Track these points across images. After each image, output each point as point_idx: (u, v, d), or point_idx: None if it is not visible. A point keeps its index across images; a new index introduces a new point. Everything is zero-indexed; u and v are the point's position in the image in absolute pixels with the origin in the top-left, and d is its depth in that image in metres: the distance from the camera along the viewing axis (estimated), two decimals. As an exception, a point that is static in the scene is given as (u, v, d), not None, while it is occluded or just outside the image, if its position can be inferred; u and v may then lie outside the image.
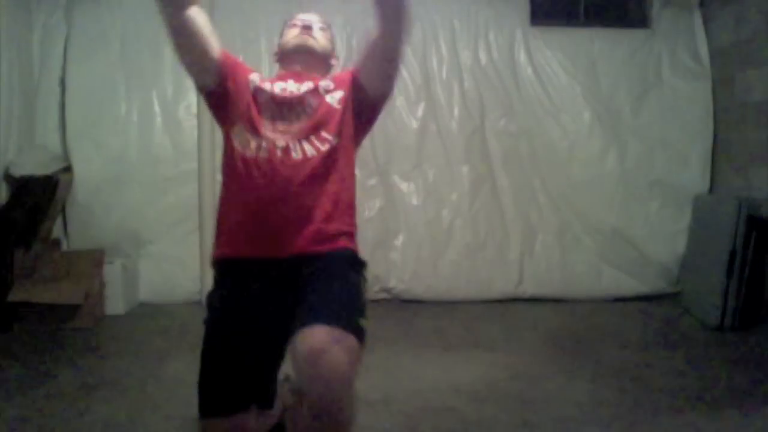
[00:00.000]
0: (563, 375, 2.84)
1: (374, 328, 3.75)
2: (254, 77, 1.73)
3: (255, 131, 1.62)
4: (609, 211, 4.27)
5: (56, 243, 3.99)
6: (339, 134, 1.66)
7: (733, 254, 3.60)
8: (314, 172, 1.60)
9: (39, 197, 3.73)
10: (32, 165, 3.83)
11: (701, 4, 4.35)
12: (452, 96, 4.25)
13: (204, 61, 1.68)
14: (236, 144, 1.64)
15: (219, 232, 1.68)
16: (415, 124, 4.23)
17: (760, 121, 3.81)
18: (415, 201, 4.24)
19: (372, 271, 4.44)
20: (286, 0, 3.65)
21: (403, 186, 4.25)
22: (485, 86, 4.26)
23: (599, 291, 4.22)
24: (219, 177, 1.86)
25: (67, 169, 4.02)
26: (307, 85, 1.71)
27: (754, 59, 3.88)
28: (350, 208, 1.70)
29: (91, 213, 4.06)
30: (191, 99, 4.02)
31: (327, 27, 1.86)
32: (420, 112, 4.23)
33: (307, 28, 1.78)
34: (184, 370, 2.86)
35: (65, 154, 4.08)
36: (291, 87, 1.71)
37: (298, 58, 1.77)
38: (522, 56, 4.30)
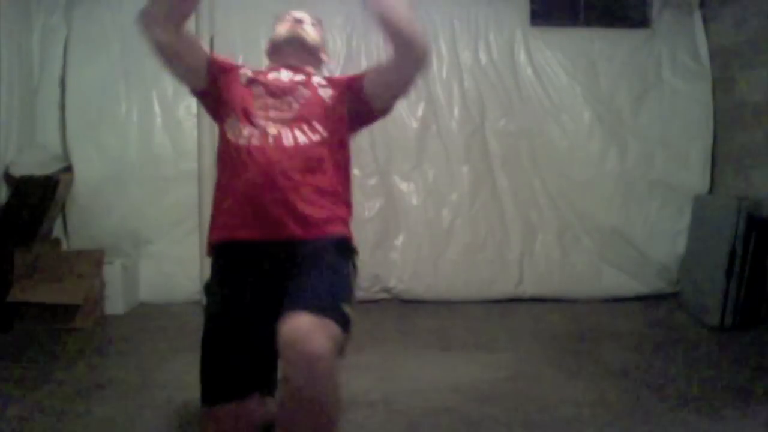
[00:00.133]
0: (563, 375, 2.84)
1: (374, 328, 3.77)
2: (245, 71, 1.77)
3: (248, 121, 1.65)
4: (609, 211, 4.27)
5: (56, 243, 3.99)
6: (329, 127, 1.68)
7: (733, 254, 3.60)
8: (306, 157, 1.63)
9: (39, 197, 3.73)
10: (32, 165, 3.83)
11: (701, 4, 4.35)
12: (452, 96, 4.25)
13: (194, 67, 1.73)
14: (229, 135, 1.68)
15: (214, 218, 1.71)
16: (415, 124, 4.23)
17: (760, 121, 3.81)
18: (415, 201, 4.25)
19: (372, 271, 4.49)
20: (286, 0, 3.65)
21: (403, 186, 4.25)
22: (485, 86, 4.26)
23: (599, 291, 4.22)
24: (219, 176, 1.88)
25: (67, 169, 4.02)
26: (299, 76, 1.74)
27: (754, 59, 3.87)
28: (344, 194, 1.73)
29: (91, 213, 4.06)
30: (191, 99, 3.94)
31: (318, 23, 1.90)
32: (420, 112, 4.23)
33: (298, 22, 1.82)
34: (184, 370, 2.86)
35: (65, 154, 4.08)
36: (284, 76, 1.74)
37: (290, 50, 1.80)
38: (522, 56, 4.30)
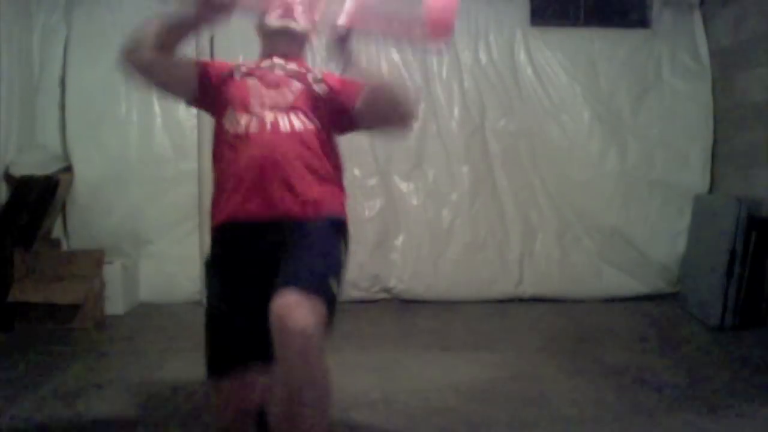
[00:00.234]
0: (563, 375, 2.84)
1: (374, 328, 3.77)
2: (239, 66, 1.80)
3: (245, 110, 1.70)
4: (609, 211, 4.27)
5: (56, 243, 3.99)
6: (321, 118, 1.73)
7: (733, 254, 3.60)
8: (302, 141, 1.68)
9: (39, 197, 3.73)
10: (32, 165, 3.83)
11: (701, 4, 4.35)
12: (452, 96, 4.25)
13: (185, 87, 1.77)
14: (227, 126, 1.73)
15: (215, 202, 1.75)
16: (415, 124, 4.23)
17: (760, 121, 3.81)
18: (415, 201, 4.24)
19: (372, 271, 4.49)
20: (286, 0, 3.65)
21: (403, 186, 4.25)
22: (485, 86, 4.26)
23: (599, 291, 4.22)
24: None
25: (67, 169, 4.02)
26: (292, 66, 1.78)
27: (754, 59, 3.87)
28: (338, 177, 1.78)
29: (91, 213, 4.06)
30: (191, 99, 4.02)
31: (308, 5, 1.86)
32: (420, 112, 4.23)
33: (288, 11, 1.81)
34: (184, 370, 2.86)
35: (65, 154, 4.08)
36: (278, 69, 1.78)
37: (280, 41, 1.82)
38: (522, 56, 4.29)
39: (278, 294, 1.46)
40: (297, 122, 1.69)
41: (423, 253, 4.21)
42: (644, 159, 4.28)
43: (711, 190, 4.27)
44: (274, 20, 1.81)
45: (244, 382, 1.64)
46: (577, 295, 4.19)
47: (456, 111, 4.25)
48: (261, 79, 1.74)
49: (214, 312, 1.69)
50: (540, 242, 4.28)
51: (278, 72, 1.77)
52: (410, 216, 4.23)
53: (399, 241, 4.23)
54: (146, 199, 4.10)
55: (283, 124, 1.68)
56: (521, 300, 4.19)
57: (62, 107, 4.10)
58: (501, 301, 4.15)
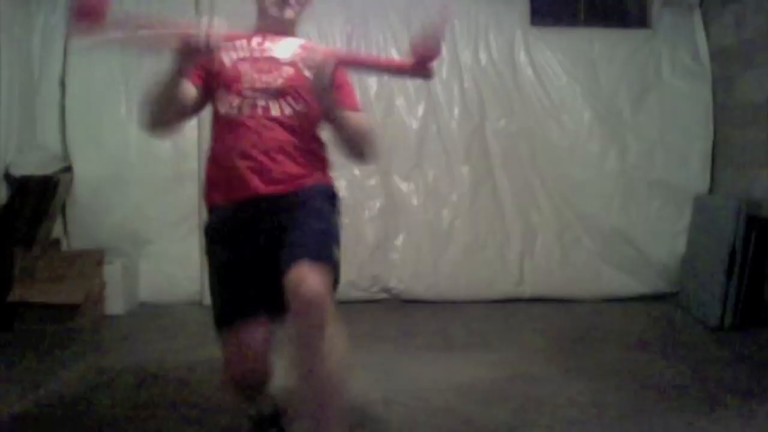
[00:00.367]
0: (563, 375, 2.84)
1: (374, 328, 3.77)
2: (229, 54, 1.83)
3: (238, 95, 1.79)
4: (609, 211, 4.27)
5: (56, 243, 3.99)
6: (310, 102, 1.80)
7: (733, 254, 3.60)
8: (291, 126, 1.79)
9: (39, 197, 3.73)
10: (32, 165, 3.83)
11: (701, 4, 4.35)
12: (452, 96, 4.25)
13: (199, 100, 1.84)
14: (220, 107, 1.82)
15: (208, 180, 1.88)
16: (415, 124, 4.23)
17: (760, 121, 3.81)
18: (415, 201, 4.24)
19: (372, 271, 4.49)
20: (286, 0, 3.65)
21: (403, 186, 4.25)
22: (485, 86, 4.26)
23: (599, 291, 4.22)
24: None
25: (67, 169, 4.02)
26: (284, 47, 1.85)
27: (754, 59, 3.87)
28: (324, 153, 1.91)
29: (91, 213, 4.05)
30: (191, 99, 4.01)
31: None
32: (420, 112, 4.23)
33: (285, 2, 1.87)
34: (184, 370, 2.86)
35: (65, 154, 4.08)
36: (269, 47, 1.85)
37: (274, 24, 1.89)
38: (522, 56, 4.29)
39: (291, 266, 1.60)
40: (287, 108, 1.79)
41: (423, 253, 4.21)
42: (644, 159, 4.28)
43: (711, 190, 4.27)
44: (273, 9, 1.87)
45: (252, 329, 1.77)
46: (577, 295, 4.19)
47: (456, 111, 4.25)
48: (253, 63, 1.81)
49: (218, 272, 1.84)
50: (540, 242, 4.28)
51: (270, 54, 1.83)
52: (410, 216, 4.23)
53: (399, 241, 4.23)
54: (146, 199, 4.10)
55: (274, 108, 1.78)
56: (521, 300, 4.19)
57: (62, 107, 4.10)
58: (501, 301, 4.15)
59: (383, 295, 4.21)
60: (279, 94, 1.79)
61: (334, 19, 4.16)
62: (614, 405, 2.49)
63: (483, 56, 4.27)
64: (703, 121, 4.29)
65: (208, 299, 4.00)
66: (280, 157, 1.77)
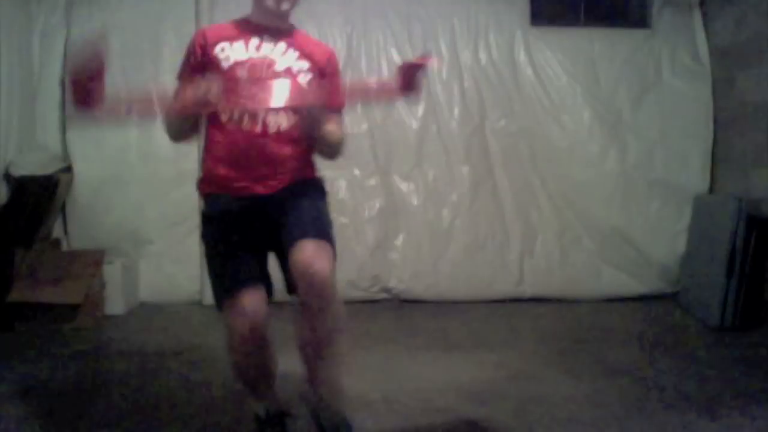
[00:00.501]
0: (563, 375, 2.84)
1: (374, 328, 3.77)
2: (225, 53, 1.88)
3: (234, 102, 1.83)
4: (609, 211, 4.27)
5: (56, 243, 3.99)
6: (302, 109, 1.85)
7: (733, 254, 3.60)
8: (287, 136, 1.87)
9: (39, 197, 3.73)
10: (32, 165, 3.83)
11: (701, 4, 4.35)
12: (452, 96, 4.25)
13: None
14: (221, 116, 1.86)
15: (204, 172, 1.96)
16: (415, 124, 4.23)
17: (760, 121, 3.81)
18: (415, 201, 4.24)
19: (372, 271, 4.49)
20: None
21: (403, 186, 4.25)
22: (485, 86, 4.26)
23: (599, 291, 4.22)
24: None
25: (67, 169, 4.02)
26: (281, 54, 1.90)
27: (754, 59, 3.87)
28: (312, 157, 2.02)
29: (91, 213, 4.05)
30: (191, 99, 4.01)
31: None
32: (420, 112, 4.23)
33: None
34: (184, 370, 2.87)
35: (65, 154, 4.08)
36: (266, 53, 1.89)
37: (270, 16, 1.93)
38: (522, 56, 4.29)
39: (297, 247, 1.77)
40: (283, 120, 1.86)
41: (423, 253, 4.21)
42: (644, 159, 4.28)
43: (711, 190, 4.27)
44: (267, 1, 1.90)
45: (252, 296, 1.83)
46: (577, 295, 4.19)
47: (456, 111, 4.25)
48: (251, 71, 1.86)
49: (216, 249, 1.91)
50: (540, 242, 4.28)
51: (267, 61, 1.88)
52: (410, 216, 4.23)
53: (399, 241, 4.23)
54: (146, 199, 4.10)
55: (271, 119, 1.85)
56: (521, 300, 4.19)
57: (62, 107, 4.10)
58: (501, 301, 4.15)
59: (383, 295, 4.21)
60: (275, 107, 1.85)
61: (334, 20, 4.16)
62: (614, 405, 2.49)
63: (483, 56, 4.27)
64: (703, 121, 4.29)
65: (208, 299, 4.04)
66: (277, 166, 1.87)
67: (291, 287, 1.89)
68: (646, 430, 2.29)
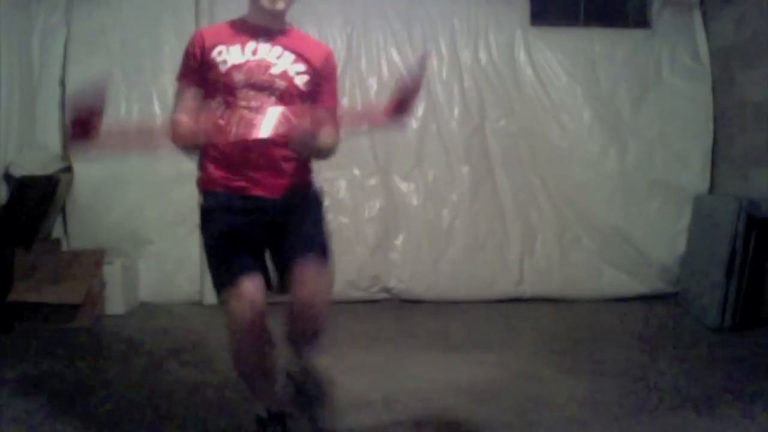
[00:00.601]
0: (563, 375, 2.84)
1: (374, 328, 3.77)
2: (223, 56, 1.89)
3: (231, 106, 1.85)
4: (609, 211, 4.27)
5: (56, 243, 3.99)
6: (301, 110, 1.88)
7: (733, 254, 3.60)
8: (282, 139, 1.84)
9: (39, 197, 3.73)
10: (32, 165, 3.83)
11: (701, 4, 4.35)
12: (452, 96, 4.25)
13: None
14: (216, 110, 1.88)
15: (202, 169, 1.96)
16: (415, 124, 4.23)
17: (760, 121, 3.81)
18: (415, 201, 4.24)
19: (372, 271, 4.49)
20: None
21: (403, 186, 4.25)
22: (485, 86, 4.26)
23: (599, 291, 4.22)
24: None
25: (67, 169, 4.02)
26: (277, 58, 1.90)
27: (754, 59, 3.87)
28: (309, 162, 2.03)
29: (91, 213, 4.05)
30: (191, 99, 4.01)
31: None
32: (420, 112, 4.22)
33: None
34: (183, 370, 2.86)
35: (65, 154, 4.08)
36: (262, 56, 1.89)
37: (266, 15, 1.92)
38: (522, 56, 4.29)
39: (298, 263, 1.84)
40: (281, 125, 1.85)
41: (423, 253, 4.21)
42: (644, 159, 4.28)
43: (711, 191, 4.26)
44: (263, 1, 1.90)
45: (251, 282, 1.84)
46: (577, 295, 4.19)
47: (456, 111, 4.25)
48: (247, 74, 1.86)
49: (217, 240, 1.92)
50: (540, 242, 4.28)
51: (264, 65, 1.88)
52: (410, 216, 4.23)
53: (399, 241, 4.23)
54: (146, 199, 4.09)
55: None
56: (521, 300, 4.19)
57: (62, 107, 4.09)
58: (501, 301, 4.15)
59: (383, 295, 4.20)
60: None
61: (334, 20, 4.16)
62: (614, 405, 2.49)
63: (483, 56, 4.27)
64: (703, 121, 4.28)
65: (208, 299, 4.04)
66: (273, 168, 1.89)
67: (283, 288, 1.93)
68: (646, 430, 2.29)
